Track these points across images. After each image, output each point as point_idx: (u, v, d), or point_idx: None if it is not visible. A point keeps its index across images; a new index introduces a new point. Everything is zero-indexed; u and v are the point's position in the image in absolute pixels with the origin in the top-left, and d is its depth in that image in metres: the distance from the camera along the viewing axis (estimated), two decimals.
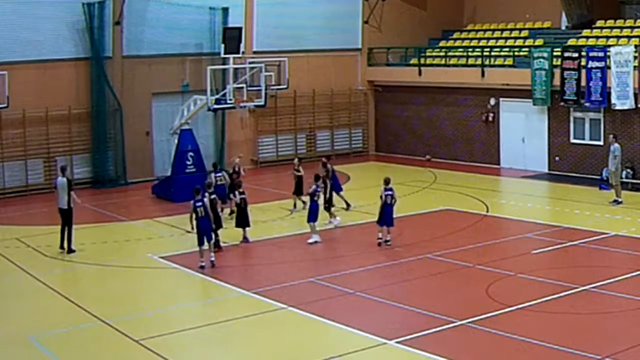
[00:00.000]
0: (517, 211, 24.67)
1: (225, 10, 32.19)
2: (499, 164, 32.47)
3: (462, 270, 18.25)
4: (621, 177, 25.67)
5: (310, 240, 20.86)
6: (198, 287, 18.04)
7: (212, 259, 19.06)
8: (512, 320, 14.77)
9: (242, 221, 21.13)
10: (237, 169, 24.39)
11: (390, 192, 20.12)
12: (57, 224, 20.97)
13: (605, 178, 27.81)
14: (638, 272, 17.43)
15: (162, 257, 19.95)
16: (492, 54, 32.97)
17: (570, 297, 15.99)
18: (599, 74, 28.13)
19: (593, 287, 16.49)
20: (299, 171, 24.81)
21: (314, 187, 21.15)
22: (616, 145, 24.85)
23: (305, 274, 18.28)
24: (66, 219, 20.56)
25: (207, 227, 19.10)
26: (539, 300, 15.75)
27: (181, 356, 13.75)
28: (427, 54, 35.89)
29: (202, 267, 18.80)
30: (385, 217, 20.16)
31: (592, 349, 13.13)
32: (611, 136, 25.52)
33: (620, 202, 24.48)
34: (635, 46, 27.78)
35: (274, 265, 19.35)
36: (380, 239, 20.25)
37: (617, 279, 17.01)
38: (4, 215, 25.79)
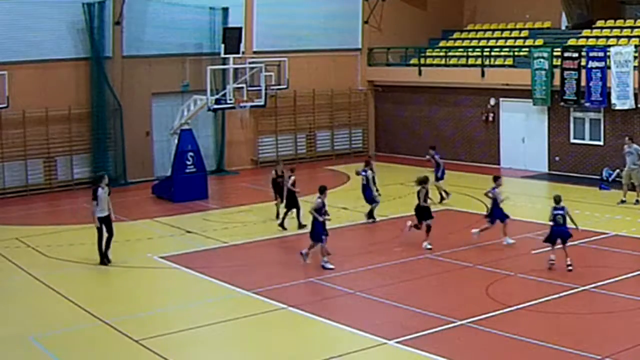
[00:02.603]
0: (517, 211, 24.58)
1: (225, 10, 32.16)
2: (499, 164, 32.44)
3: (462, 270, 18.24)
4: (621, 177, 25.64)
5: None
6: (198, 287, 18.00)
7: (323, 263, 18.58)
8: (512, 320, 14.77)
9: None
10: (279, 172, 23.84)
11: (561, 212, 17.85)
12: (56, 224, 20.94)
13: (605, 178, 27.83)
14: (638, 272, 17.43)
15: (162, 257, 19.93)
16: (492, 54, 32.95)
17: (570, 297, 15.99)
18: (599, 74, 28.12)
19: (593, 287, 16.49)
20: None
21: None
22: (635, 145, 24.66)
23: (305, 274, 18.27)
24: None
25: (318, 226, 18.62)
26: (539, 300, 15.75)
27: (181, 356, 13.75)
28: (427, 54, 35.88)
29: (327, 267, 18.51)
30: (563, 233, 18.01)
31: (592, 349, 13.13)
32: (627, 138, 25.26)
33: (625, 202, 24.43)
34: (635, 46, 27.79)
35: (274, 265, 19.34)
36: (552, 261, 17.95)
37: (617, 279, 17.00)
38: (4, 215, 25.74)
